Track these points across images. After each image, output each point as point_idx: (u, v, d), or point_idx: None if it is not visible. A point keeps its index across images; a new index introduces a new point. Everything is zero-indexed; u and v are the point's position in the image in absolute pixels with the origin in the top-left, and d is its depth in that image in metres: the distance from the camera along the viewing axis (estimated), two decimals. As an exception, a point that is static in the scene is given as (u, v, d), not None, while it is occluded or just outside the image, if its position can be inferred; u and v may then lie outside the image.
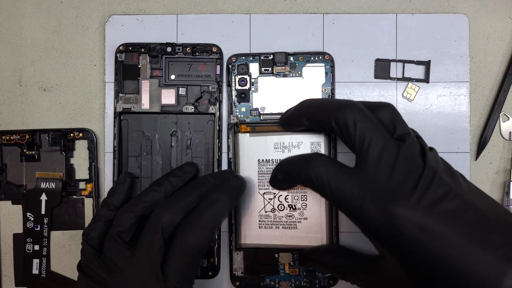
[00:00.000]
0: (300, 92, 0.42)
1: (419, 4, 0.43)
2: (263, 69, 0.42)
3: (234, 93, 0.42)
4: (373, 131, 0.32)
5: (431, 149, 0.32)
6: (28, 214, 0.43)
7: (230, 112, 0.42)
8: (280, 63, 0.42)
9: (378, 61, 0.43)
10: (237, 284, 0.42)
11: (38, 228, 0.43)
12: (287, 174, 0.37)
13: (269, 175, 0.41)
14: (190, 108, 0.42)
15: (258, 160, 0.41)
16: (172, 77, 0.42)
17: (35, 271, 0.43)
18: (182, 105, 0.42)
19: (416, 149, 0.31)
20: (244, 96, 0.42)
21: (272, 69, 0.42)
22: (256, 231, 0.41)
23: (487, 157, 0.43)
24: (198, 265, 0.35)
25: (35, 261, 0.43)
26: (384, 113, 0.33)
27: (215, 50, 0.42)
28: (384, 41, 0.43)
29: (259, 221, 0.41)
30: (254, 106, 0.42)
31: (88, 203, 0.43)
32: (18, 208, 0.43)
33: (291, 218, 0.41)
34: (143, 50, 0.42)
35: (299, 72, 0.42)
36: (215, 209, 0.35)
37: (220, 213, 0.36)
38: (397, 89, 0.43)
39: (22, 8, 0.44)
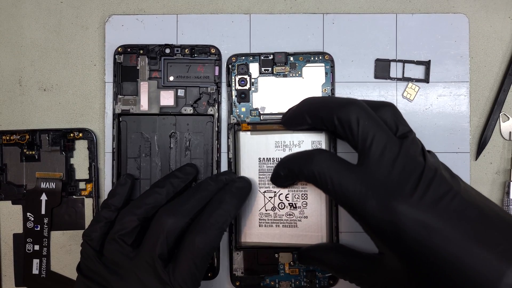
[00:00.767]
0: (300, 92, 0.42)
1: (419, 4, 0.43)
2: (263, 69, 0.42)
3: (234, 93, 0.42)
4: (376, 129, 0.32)
5: (429, 152, 0.33)
6: (28, 214, 0.43)
7: (230, 112, 0.42)
8: (280, 63, 0.42)
9: (378, 61, 0.43)
10: (237, 284, 0.42)
11: (38, 228, 0.43)
12: (289, 170, 0.37)
13: (270, 173, 0.41)
14: (189, 110, 0.42)
15: (259, 158, 0.41)
16: (171, 78, 0.42)
17: (35, 271, 0.43)
18: (181, 106, 0.42)
19: (417, 148, 0.32)
20: (244, 96, 0.42)
21: (272, 69, 0.42)
22: (256, 230, 0.41)
23: (487, 157, 0.43)
24: (206, 267, 0.36)
25: (35, 261, 0.43)
26: (386, 113, 0.34)
27: (213, 51, 0.42)
28: (384, 41, 0.43)
29: (260, 219, 0.41)
30: (254, 106, 0.42)
31: (88, 203, 0.43)
32: (18, 208, 0.43)
33: (291, 216, 0.41)
34: (141, 51, 0.42)
35: (299, 72, 0.42)
36: (224, 210, 0.36)
37: (229, 214, 0.36)
38: (397, 89, 0.43)
39: (22, 8, 0.44)
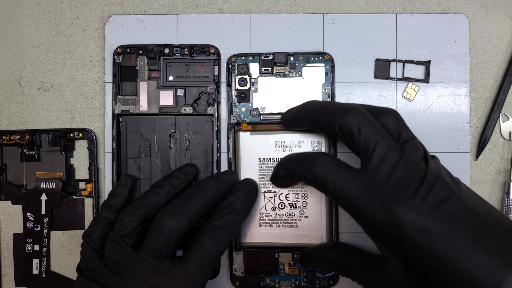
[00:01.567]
0: (300, 92, 0.42)
1: (419, 4, 0.43)
2: (263, 69, 0.42)
3: (234, 93, 0.42)
4: (378, 135, 0.32)
5: (433, 157, 0.33)
6: (28, 214, 0.43)
7: (230, 112, 0.42)
8: (280, 63, 0.42)
9: (378, 61, 0.43)
10: (237, 284, 0.42)
11: (38, 228, 0.43)
12: (290, 172, 0.37)
13: (270, 173, 0.41)
14: (189, 109, 0.42)
15: (259, 158, 0.41)
16: (170, 78, 0.42)
17: (35, 271, 0.43)
18: (180, 106, 0.42)
19: (419, 153, 0.32)
20: (244, 96, 0.42)
21: (272, 69, 0.42)
22: (256, 230, 0.41)
23: (487, 157, 0.43)
24: (212, 271, 0.37)
25: (35, 261, 0.43)
26: (388, 119, 0.34)
27: (212, 51, 0.42)
28: (384, 41, 0.43)
29: (260, 219, 0.41)
30: (254, 106, 0.42)
31: (88, 203, 0.43)
32: (18, 208, 0.43)
33: (291, 216, 0.41)
34: (140, 51, 0.42)
35: (299, 72, 0.42)
36: (235, 215, 0.37)
37: (239, 220, 0.37)
38: (397, 89, 0.43)
39: (22, 8, 0.44)
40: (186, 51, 0.42)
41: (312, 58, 0.42)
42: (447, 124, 0.42)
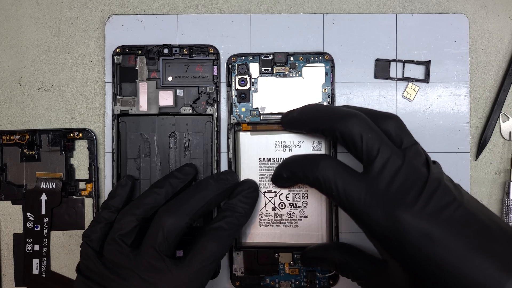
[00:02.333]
0: (300, 92, 0.42)
1: (419, 4, 0.43)
2: (263, 69, 0.42)
3: (234, 93, 0.42)
4: (380, 141, 0.32)
5: (434, 162, 0.33)
6: (28, 214, 0.43)
7: (230, 112, 0.42)
8: (280, 63, 0.42)
9: (378, 61, 0.43)
10: (237, 284, 0.42)
11: (38, 228, 0.43)
12: (292, 173, 0.37)
13: (270, 174, 0.41)
14: (188, 110, 0.42)
15: (259, 158, 0.41)
16: (170, 78, 0.42)
17: (35, 271, 0.43)
18: (180, 106, 0.42)
19: (421, 159, 0.32)
20: (244, 96, 0.42)
21: (272, 69, 0.42)
22: (256, 229, 0.41)
23: (487, 157, 0.43)
24: (212, 273, 0.36)
25: (35, 261, 0.43)
26: (390, 125, 0.34)
27: (212, 51, 0.42)
28: (384, 41, 0.43)
29: (260, 219, 0.41)
30: (254, 106, 0.42)
31: (88, 203, 0.43)
32: (18, 208, 0.43)
33: (292, 216, 0.41)
34: (140, 52, 0.42)
35: (299, 72, 0.42)
36: (236, 218, 0.37)
37: (241, 221, 0.37)
38: (397, 89, 0.43)
39: (22, 8, 0.44)
40: (185, 51, 0.42)
41: (312, 58, 0.42)
42: (447, 124, 0.42)
